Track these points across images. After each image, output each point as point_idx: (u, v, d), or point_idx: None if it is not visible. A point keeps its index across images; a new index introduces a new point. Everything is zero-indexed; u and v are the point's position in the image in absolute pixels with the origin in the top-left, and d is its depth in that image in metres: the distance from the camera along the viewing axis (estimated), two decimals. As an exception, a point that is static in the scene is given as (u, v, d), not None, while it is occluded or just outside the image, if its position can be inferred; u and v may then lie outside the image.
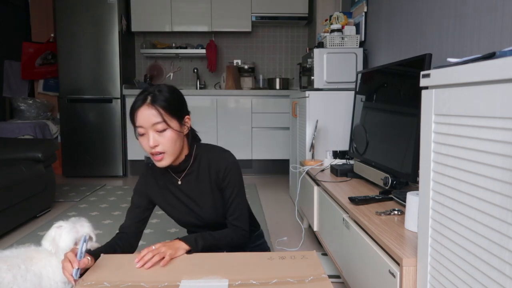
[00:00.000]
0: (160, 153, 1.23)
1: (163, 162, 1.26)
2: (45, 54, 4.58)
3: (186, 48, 4.49)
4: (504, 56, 0.71)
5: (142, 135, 1.23)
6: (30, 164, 2.64)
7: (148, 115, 1.20)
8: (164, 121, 1.21)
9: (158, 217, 2.76)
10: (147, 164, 1.45)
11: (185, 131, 1.31)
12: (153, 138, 1.21)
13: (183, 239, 1.19)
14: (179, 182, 1.39)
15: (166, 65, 4.68)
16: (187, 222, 1.43)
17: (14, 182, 2.42)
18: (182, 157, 1.34)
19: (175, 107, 1.25)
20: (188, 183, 1.39)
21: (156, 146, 1.22)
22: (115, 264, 1.09)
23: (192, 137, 1.39)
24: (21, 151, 2.73)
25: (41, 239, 1.24)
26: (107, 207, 3.02)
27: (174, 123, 1.24)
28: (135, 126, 1.24)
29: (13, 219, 2.46)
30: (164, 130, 1.22)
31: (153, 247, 1.10)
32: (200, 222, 1.41)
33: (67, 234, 1.21)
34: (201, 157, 1.38)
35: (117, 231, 1.39)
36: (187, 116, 1.32)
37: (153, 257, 1.06)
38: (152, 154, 1.24)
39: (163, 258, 1.08)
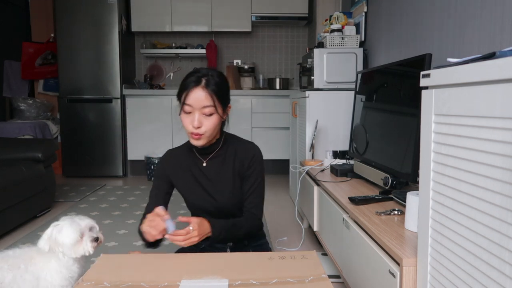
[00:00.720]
0: (200, 134, 1.29)
1: (200, 141, 1.31)
2: (45, 54, 4.58)
3: (186, 48, 4.49)
4: (504, 56, 0.71)
5: (187, 113, 1.28)
6: (30, 164, 2.64)
7: (200, 97, 1.26)
8: (214, 105, 1.27)
9: (158, 217, 2.76)
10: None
11: (225, 117, 1.38)
12: (198, 119, 1.27)
13: (212, 223, 1.26)
14: (204, 164, 1.43)
15: (166, 65, 4.68)
16: (201, 207, 1.44)
17: (14, 182, 2.42)
18: (214, 140, 1.39)
19: (224, 94, 1.32)
20: (213, 166, 1.42)
21: (199, 127, 1.27)
22: (115, 264, 1.09)
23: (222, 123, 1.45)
24: (21, 151, 2.73)
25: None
26: (107, 207, 3.02)
27: (220, 109, 1.30)
28: (183, 104, 1.28)
29: (13, 219, 2.46)
30: (211, 114, 1.28)
31: (191, 227, 1.17)
32: (213, 209, 1.42)
33: (69, 227, 1.20)
34: (229, 143, 1.44)
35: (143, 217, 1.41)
36: (229, 105, 1.38)
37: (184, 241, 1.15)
38: (192, 133, 1.29)
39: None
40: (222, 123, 1.41)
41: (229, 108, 1.39)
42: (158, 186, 1.45)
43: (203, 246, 1.53)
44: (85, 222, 1.24)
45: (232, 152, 1.42)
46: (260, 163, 1.43)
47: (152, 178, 1.43)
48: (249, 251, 1.48)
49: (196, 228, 1.18)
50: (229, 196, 1.41)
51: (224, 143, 1.43)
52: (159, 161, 1.50)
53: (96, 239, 1.25)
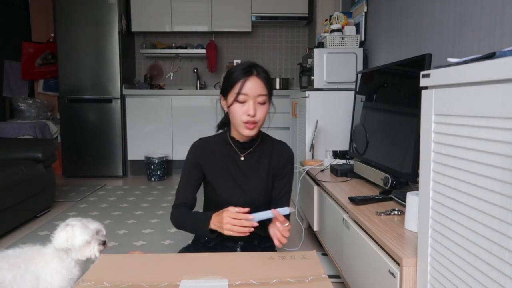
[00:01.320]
0: (254, 122, 1.32)
1: (254, 131, 1.35)
2: (45, 54, 4.58)
3: (186, 48, 4.49)
4: (504, 56, 0.71)
5: (241, 102, 1.31)
6: (30, 164, 2.64)
7: (256, 85, 1.30)
8: (268, 94, 1.33)
9: (158, 217, 2.76)
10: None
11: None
12: (254, 107, 1.30)
13: None
14: (242, 158, 1.44)
15: (166, 65, 4.68)
16: (229, 200, 1.43)
17: (14, 182, 2.42)
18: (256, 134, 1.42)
19: (271, 86, 1.36)
20: (249, 161, 1.44)
21: (254, 115, 1.31)
22: (115, 264, 1.09)
23: None
24: (21, 151, 2.73)
25: (41, 239, 1.24)
26: (107, 207, 3.02)
27: (269, 99, 1.36)
28: (237, 94, 1.30)
29: (13, 219, 2.45)
30: (264, 103, 1.33)
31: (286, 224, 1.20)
32: (241, 203, 1.41)
33: (81, 229, 1.22)
34: (266, 141, 1.47)
35: (177, 206, 1.42)
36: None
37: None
38: (247, 122, 1.31)
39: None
40: None
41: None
42: (190, 175, 1.44)
43: (212, 243, 1.53)
44: (94, 225, 1.25)
45: (268, 149, 1.46)
46: (293, 164, 1.50)
47: (183, 169, 1.44)
48: (257, 251, 1.48)
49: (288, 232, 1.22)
50: (261, 192, 1.43)
51: (262, 140, 1.46)
52: (191, 148, 1.47)
53: (103, 243, 1.26)
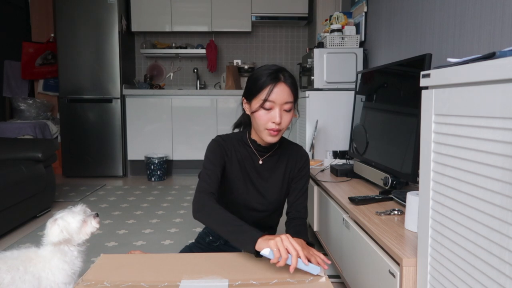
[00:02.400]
0: (279, 130, 1.29)
1: (277, 137, 1.31)
2: (45, 54, 4.58)
3: (186, 48, 4.49)
4: (504, 56, 0.71)
5: (267, 109, 1.26)
6: (30, 164, 2.64)
7: (284, 92, 1.25)
8: (294, 101, 1.29)
9: (158, 217, 2.76)
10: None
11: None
12: (280, 115, 1.26)
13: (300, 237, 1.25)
14: (260, 162, 1.42)
15: (166, 65, 4.68)
16: (245, 202, 1.41)
17: (14, 182, 2.42)
18: None
19: (297, 92, 1.32)
20: (267, 165, 1.42)
21: (280, 123, 1.27)
22: (115, 264, 1.09)
23: None
24: (21, 151, 2.73)
25: (41, 239, 1.23)
26: (107, 207, 3.02)
27: (295, 106, 1.32)
28: (264, 101, 1.25)
29: (13, 219, 2.45)
30: (289, 110, 1.29)
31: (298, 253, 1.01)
32: (257, 205, 1.42)
33: (72, 215, 1.23)
34: (284, 145, 1.44)
35: (208, 194, 1.25)
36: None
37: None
38: (272, 129, 1.27)
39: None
40: None
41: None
42: (216, 166, 1.33)
43: (217, 243, 1.53)
44: (78, 208, 1.27)
45: (286, 153, 1.43)
46: (309, 167, 1.47)
47: (205, 162, 1.33)
48: None
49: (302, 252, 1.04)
50: (277, 194, 1.42)
51: (281, 143, 1.44)
52: (215, 142, 1.38)
53: (96, 215, 1.29)
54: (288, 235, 1.03)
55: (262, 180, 1.41)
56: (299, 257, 0.99)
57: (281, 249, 0.98)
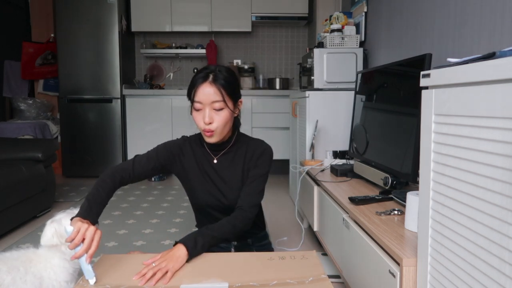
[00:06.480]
0: (211, 130, 1.29)
1: (213, 138, 1.32)
2: (45, 54, 4.58)
3: (186, 48, 4.49)
4: (504, 56, 0.71)
5: (198, 110, 1.29)
6: (30, 164, 2.64)
7: (209, 92, 1.26)
8: (223, 100, 1.27)
9: (158, 217, 2.76)
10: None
11: (236, 113, 1.38)
12: (209, 115, 1.27)
13: (182, 241, 1.14)
14: (215, 161, 1.42)
15: (166, 65, 4.68)
16: (207, 201, 1.41)
17: (14, 182, 2.42)
18: (226, 137, 1.39)
19: (233, 89, 1.32)
20: (223, 163, 1.42)
21: (210, 123, 1.28)
22: (115, 264, 1.09)
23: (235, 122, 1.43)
24: (21, 151, 2.73)
25: (40, 240, 1.24)
26: (107, 207, 3.02)
27: (230, 104, 1.30)
28: (193, 102, 1.29)
29: (13, 219, 2.45)
30: (221, 109, 1.28)
31: (153, 263, 1.05)
32: (220, 204, 1.41)
33: (67, 215, 1.23)
34: (241, 142, 1.44)
35: (117, 169, 1.30)
36: (240, 99, 1.39)
37: (154, 274, 1.00)
38: (205, 130, 1.30)
39: (166, 273, 1.02)
40: (236, 121, 1.42)
41: (241, 103, 1.39)
42: (150, 162, 1.35)
43: None
44: (74, 210, 1.26)
45: (243, 150, 1.42)
46: (266, 160, 1.41)
47: (157, 146, 1.38)
48: (252, 250, 1.48)
49: (158, 261, 1.06)
50: (237, 192, 1.39)
51: (236, 141, 1.43)
52: (173, 144, 1.43)
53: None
54: (98, 231, 1.04)
55: (220, 179, 1.41)
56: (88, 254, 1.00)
57: (78, 235, 1.00)
